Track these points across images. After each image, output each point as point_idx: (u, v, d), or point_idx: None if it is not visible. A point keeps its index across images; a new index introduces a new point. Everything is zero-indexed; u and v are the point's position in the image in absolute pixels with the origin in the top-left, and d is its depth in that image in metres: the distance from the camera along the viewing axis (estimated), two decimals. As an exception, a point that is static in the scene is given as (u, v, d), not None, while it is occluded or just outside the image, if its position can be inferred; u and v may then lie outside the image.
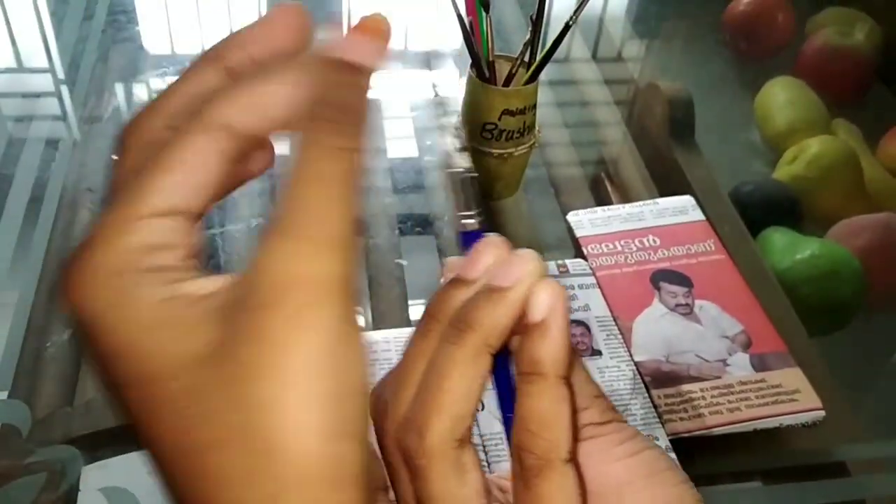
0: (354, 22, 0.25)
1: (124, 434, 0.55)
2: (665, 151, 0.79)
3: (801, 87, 0.90)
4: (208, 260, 0.67)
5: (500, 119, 0.65)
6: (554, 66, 0.68)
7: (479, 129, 0.66)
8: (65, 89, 0.84)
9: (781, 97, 0.89)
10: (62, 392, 0.58)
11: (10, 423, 0.55)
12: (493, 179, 0.70)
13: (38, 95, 0.84)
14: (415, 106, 0.85)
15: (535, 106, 0.67)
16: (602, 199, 0.76)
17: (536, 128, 0.69)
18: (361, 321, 0.34)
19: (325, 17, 1.00)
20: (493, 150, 0.67)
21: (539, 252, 0.72)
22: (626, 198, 0.75)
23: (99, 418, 0.56)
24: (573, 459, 0.26)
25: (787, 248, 0.71)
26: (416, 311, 0.64)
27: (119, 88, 0.85)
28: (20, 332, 0.61)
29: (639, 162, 0.79)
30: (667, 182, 0.76)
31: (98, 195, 0.71)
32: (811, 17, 1.02)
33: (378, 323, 0.62)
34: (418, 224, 0.72)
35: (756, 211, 0.75)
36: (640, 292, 0.63)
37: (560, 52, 0.65)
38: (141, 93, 0.85)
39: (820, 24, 0.99)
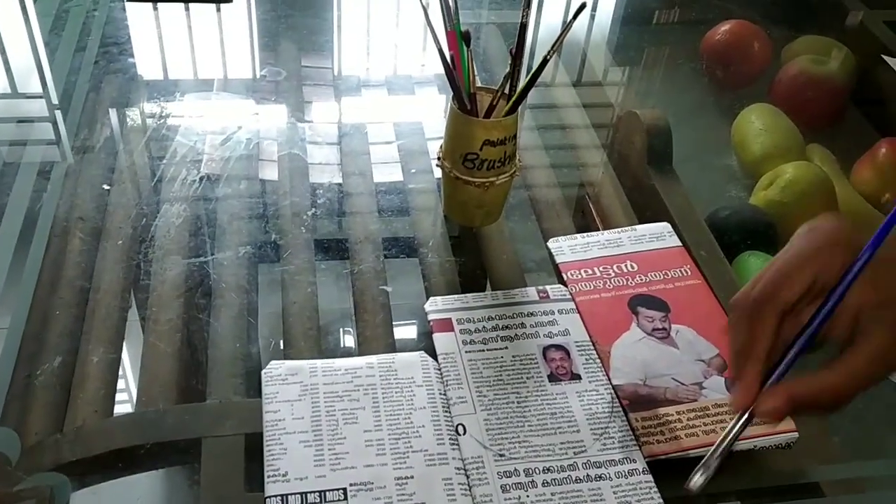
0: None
1: (113, 460, 0.56)
2: (643, 178, 0.81)
3: (776, 114, 0.92)
4: (197, 288, 0.68)
5: (481, 149, 0.67)
6: (536, 91, 0.70)
7: (461, 158, 0.68)
8: (59, 114, 0.86)
9: (757, 124, 0.91)
10: (52, 419, 0.59)
11: (-1, 451, 0.56)
12: (476, 207, 0.72)
13: (32, 120, 0.86)
14: (400, 132, 0.87)
15: (515, 136, 0.69)
16: (583, 225, 0.78)
17: (517, 157, 0.71)
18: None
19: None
20: (475, 179, 0.69)
21: (520, 278, 0.73)
22: (606, 223, 0.77)
23: (88, 445, 0.57)
24: None
25: (763, 272, 0.72)
26: (400, 333, 0.66)
27: (112, 117, 0.86)
28: (10, 361, 0.62)
29: (618, 188, 0.81)
30: (646, 208, 0.78)
31: (89, 224, 0.73)
32: (787, 46, 1.04)
33: (363, 349, 0.64)
34: (403, 249, 0.73)
35: (732, 235, 0.77)
36: (618, 317, 0.65)
37: (543, 77, 0.67)
38: (135, 119, 0.86)
39: (795, 53, 1.02)
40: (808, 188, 0.82)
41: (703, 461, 0.48)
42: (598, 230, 0.73)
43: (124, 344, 0.65)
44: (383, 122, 0.89)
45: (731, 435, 0.49)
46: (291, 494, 0.52)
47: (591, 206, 0.80)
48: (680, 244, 0.71)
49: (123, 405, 0.63)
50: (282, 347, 0.64)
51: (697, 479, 0.48)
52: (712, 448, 0.49)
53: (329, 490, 0.53)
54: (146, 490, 0.59)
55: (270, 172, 0.80)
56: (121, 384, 0.63)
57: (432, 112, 0.93)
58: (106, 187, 0.77)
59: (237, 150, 0.82)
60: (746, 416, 0.48)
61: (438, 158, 0.71)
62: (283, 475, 0.53)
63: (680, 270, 0.68)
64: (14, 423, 0.58)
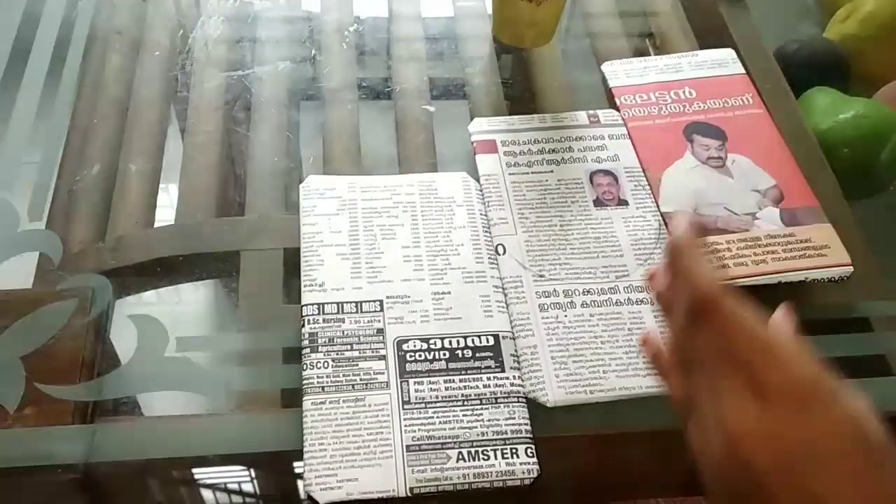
0: None
1: (153, 268, 0.56)
2: (709, 4, 0.75)
3: (861, -59, 0.84)
4: (235, 101, 0.66)
5: (535, -41, 0.63)
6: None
7: (513, -31, 0.64)
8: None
9: (839, -48, 0.83)
10: (94, 229, 0.59)
11: (43, 253, 0.56)
12: (527, 26, 0.68)
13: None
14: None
15: (573, -54, 0.63)
16: (641, 49, 0.73)
17: (574, -29, 0.66)
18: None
19: None
20: (527, -6, 0.65)
21: (571, 102, 0.69)
22: (666, 49, 0.72)
23: (129, 253, 0.57)
24: None
25: (830, 108, 0.68)
26: (442, 154, 0.63)
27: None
28: (52, 171, 0.61)
29: (681, 14, 0.75)
30: (709, 37, 0.73)
31: (126, 36, 0.71)
32: None
33: (404, 168, 0.62)
34: (448, 70, 0.70)
35: (801, 70, 0.71)
36: (671, 144, 0.61)
37: None
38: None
39: None
40: (889, 22, 0.76)
41: None
42: (657, 55, 0.69)
43: (164, 156, 0.64)
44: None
45: None
46: (328, 304, 0.52)
47: (651, 33, 0.75)
48: (743, 72, 0.66)
49: (164, 214, 0.62)
50: (321, 164, 0.63)
51: None
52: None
53: (366, 301, 0.52)
54: (186, 297, 0.59)
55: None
56: (161, 197, 0.62)
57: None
58: (143, -2, 0.74)
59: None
60: None
61: (488, -30, 0.67)
62: (320, 285, 0.53)
63: (741, 99, 0.64)
64: (58, 231, 0.58)
